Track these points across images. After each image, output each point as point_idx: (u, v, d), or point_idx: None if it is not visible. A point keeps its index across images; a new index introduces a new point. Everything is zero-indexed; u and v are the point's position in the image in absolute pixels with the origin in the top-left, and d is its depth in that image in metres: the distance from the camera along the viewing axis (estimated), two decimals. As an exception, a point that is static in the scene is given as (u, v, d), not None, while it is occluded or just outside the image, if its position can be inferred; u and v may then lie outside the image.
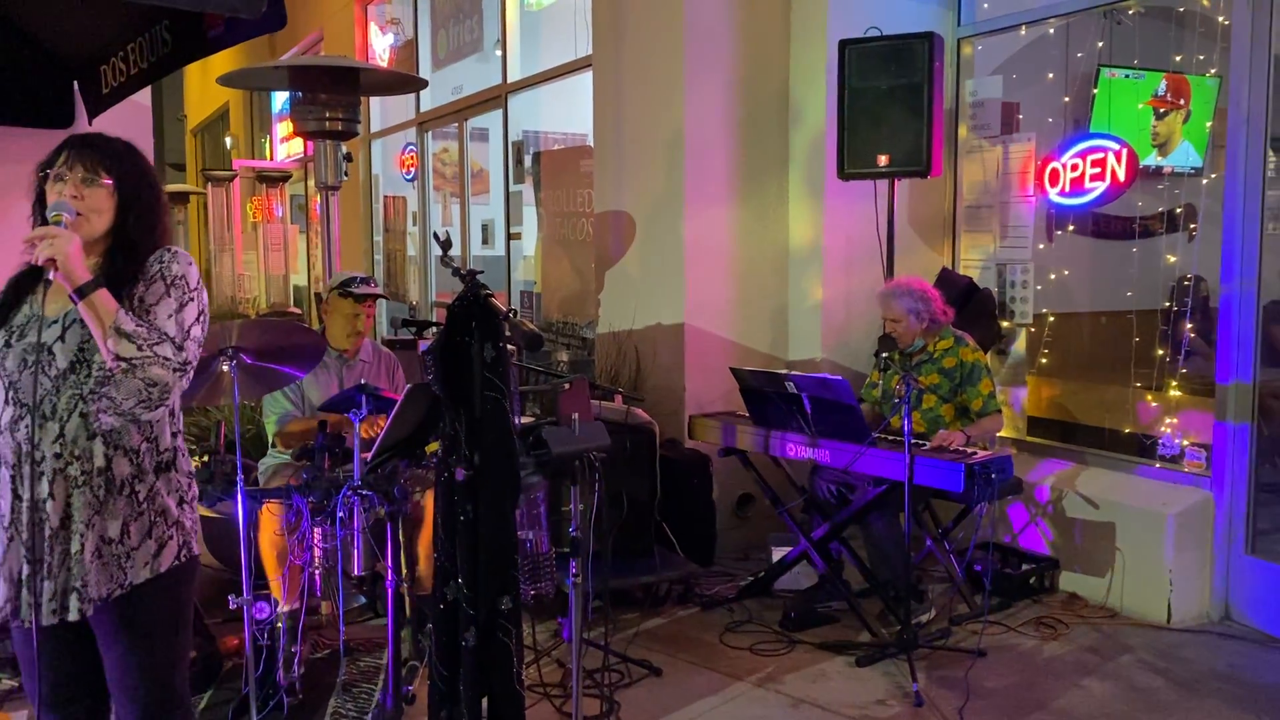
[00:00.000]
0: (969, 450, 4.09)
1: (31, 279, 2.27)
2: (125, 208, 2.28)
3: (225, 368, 3.14)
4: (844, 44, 4.84)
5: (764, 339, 5.54)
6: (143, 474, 2.25)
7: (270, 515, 3.63)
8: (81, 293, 2.12)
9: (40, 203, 2.29)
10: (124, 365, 2.13)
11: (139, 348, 2.13)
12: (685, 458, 5.00)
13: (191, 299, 2.29)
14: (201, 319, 2.31)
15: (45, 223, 2.21)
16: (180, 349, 2.21)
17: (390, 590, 3.33)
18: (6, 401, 2.21)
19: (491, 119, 7.63)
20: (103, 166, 2.25)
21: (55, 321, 2.21)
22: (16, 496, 2.19)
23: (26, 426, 2.17)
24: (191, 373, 2.25)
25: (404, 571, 3.60)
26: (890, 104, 4.74)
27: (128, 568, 2.22)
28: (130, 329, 2.14)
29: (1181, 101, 5.38)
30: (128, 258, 2.26)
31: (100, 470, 2.20)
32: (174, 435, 2.35)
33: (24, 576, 2.18)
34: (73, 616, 2.18)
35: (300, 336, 3.38)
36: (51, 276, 2.09)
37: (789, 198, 5.53)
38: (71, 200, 2.21)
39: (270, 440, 4.14)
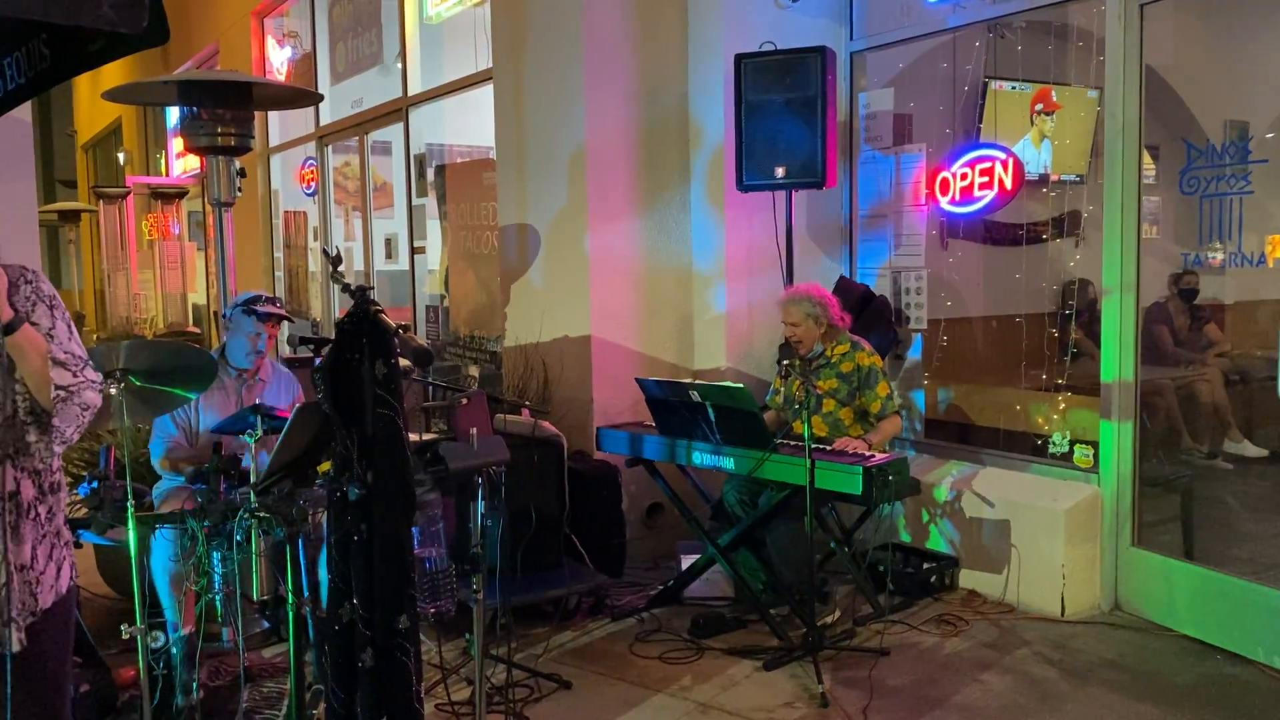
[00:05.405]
0: (868, 454, 4.18)
1: None
2: None
3: (113, 390, 3.05)
4: (740, 58, 4.92)
5: (670, 349, 5.58)
6: (44, 496, 2.20)
7: (165, 541, 3.54)
8: (9, 328, 2.03)
9: None
10: (62, 394, 2.09)
11: (74, 374, 2.10)
12: (593, 469, 5.00)
13: (69, 318, 2.25)
14: None
15: None
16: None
17: (292, 613, 3.26)
18: None
19: (393, 132, 7.56)
20: None
21: None
22: None
23: None
24: None
25: (306, 593, 3.53)
26: (786, 117, 4.82)
27: (38, 593, 2.16)
28: (62, 357, 2.10)
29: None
30: None
31: (10, 495, 2.13)
32: (58, 456, 2.29)
33: None
34: (14, 649, 2.08)
35: (191, 357, 3.30)
36: None
37: (691, 209, 5.59)
38: None
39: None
